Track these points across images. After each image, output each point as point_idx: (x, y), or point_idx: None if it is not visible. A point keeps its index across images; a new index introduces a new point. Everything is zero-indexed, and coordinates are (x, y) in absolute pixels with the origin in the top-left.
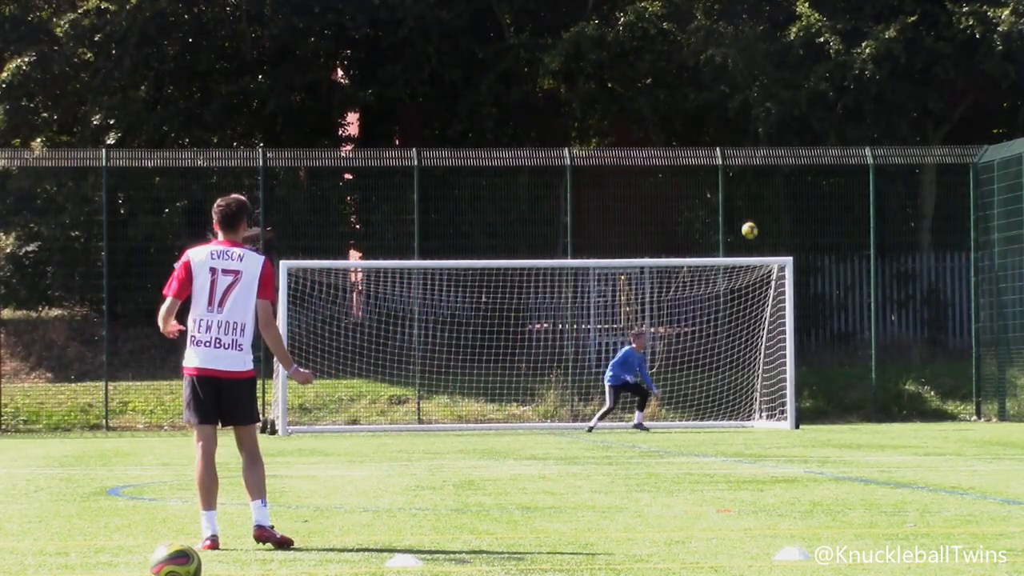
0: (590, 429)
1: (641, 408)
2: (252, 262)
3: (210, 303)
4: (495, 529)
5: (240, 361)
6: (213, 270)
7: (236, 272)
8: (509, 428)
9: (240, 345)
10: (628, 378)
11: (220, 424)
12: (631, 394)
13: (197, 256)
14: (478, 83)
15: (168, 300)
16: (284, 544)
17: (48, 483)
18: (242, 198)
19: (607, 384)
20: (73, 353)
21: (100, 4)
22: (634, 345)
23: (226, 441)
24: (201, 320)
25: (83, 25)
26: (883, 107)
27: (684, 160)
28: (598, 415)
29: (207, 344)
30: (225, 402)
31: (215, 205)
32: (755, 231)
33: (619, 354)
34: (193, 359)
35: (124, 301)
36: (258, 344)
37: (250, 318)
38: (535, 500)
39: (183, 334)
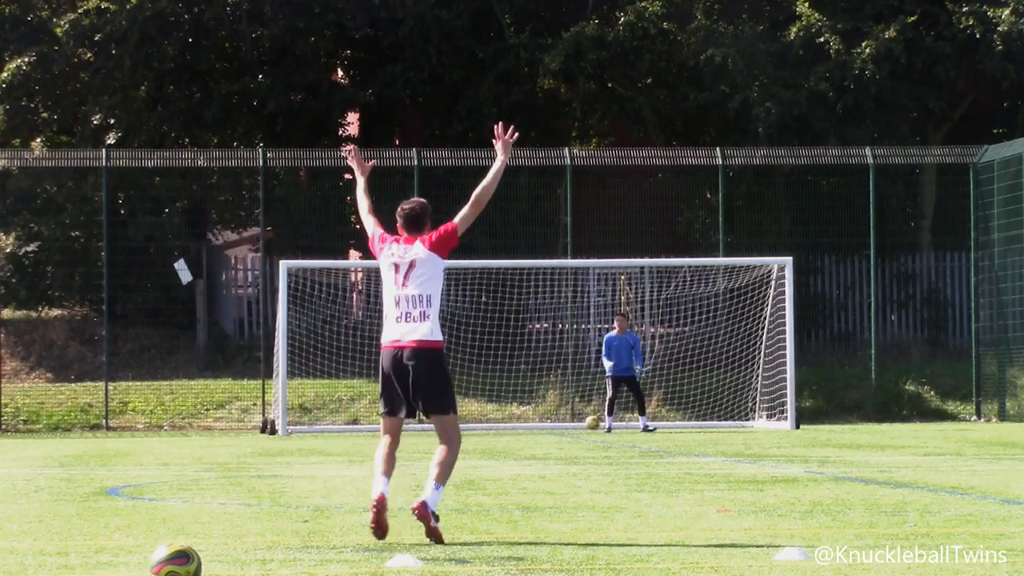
0: (609, 429)
1: (642, 412)
2: (419, 247)
3: (395, 283)
4: (495, 529)
5: (427, 331)
6: (391, 258)
7: (412, 260)
8: (509, 428)
9: (427, 315)
10: (626, 369)
11: (413, 414)
12: (629, 392)
13: (382, 254)
14: (478, 83)
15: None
16: (435, 535)
17: (48, 483)
18: (424, 201)
19: (610, 374)
20: (73, 353)
21: (100, 4)
22: (615, 329)
23: (226, 441)
24: (390, 298)
25: (83, 25)
26: (883, 107)
27: (684, 160)
28: (605, 411)
29: (397, 319)
30: (416, 379)
31: (400, 208)
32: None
33: (604, 345)
34: (388, 334)
35: (124, 301)
36: (260, 345)
37: (436, 290)
38: (535, 500)
39: None
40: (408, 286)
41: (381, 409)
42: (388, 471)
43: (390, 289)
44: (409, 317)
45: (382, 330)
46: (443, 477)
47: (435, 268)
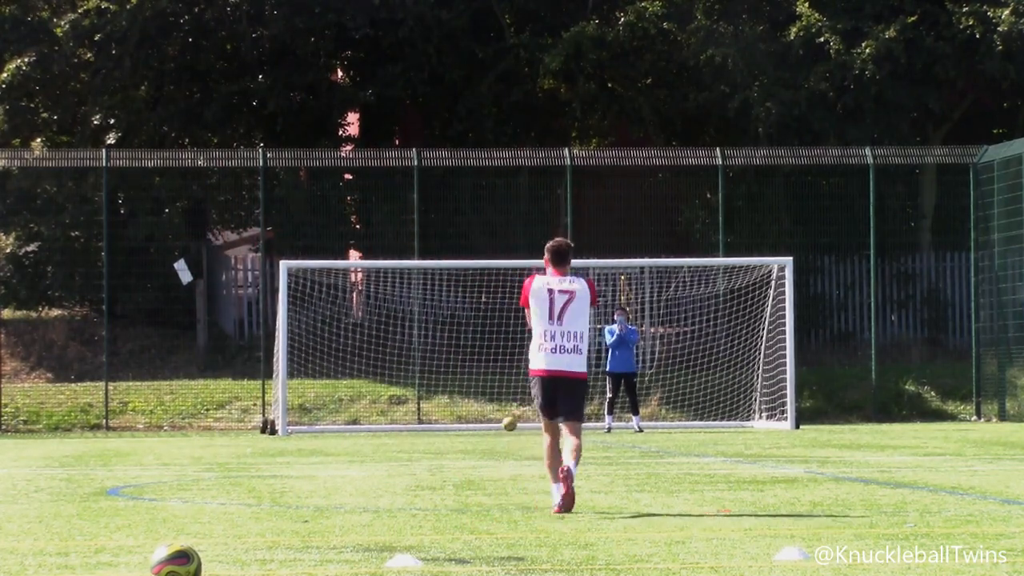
0: (609, 429)
1: (635, 412)
2: (581, 283)
3: (549, 316)
4: (495, 529)
5: (578, 363)
6: (551, 291)
7: (571, 292)
8: None
9: (580, 350)
10: (626, 366)
11: (552, 417)
12: (625, 391)
13: (535, 284)
14: (478, 83)
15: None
16: (570, 498)
17: (48, 483)
18: (568, 242)
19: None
20: (73, 353)
21: (100, 4)
22: (617, 325)
23: (226, 442)
24: (546, 331)
25: (83, 25)
26: (883, 107)
27: (684, 160)
28: (605, 410)
29: (552, 351)
30: (562, 398)
31: (548, 245)
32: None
33: (615, 336)
34: (540, 362)
35: (124, 301)
36: (259, 345)
37: (585, 327)
38: (535, 500)
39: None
40: (564, 322)
41: (543, 415)
42: (554, 465)
43: (543, 322)
44: (563, 350)
45: (531, 354)
46: (577, 459)
47: (587, 305)
